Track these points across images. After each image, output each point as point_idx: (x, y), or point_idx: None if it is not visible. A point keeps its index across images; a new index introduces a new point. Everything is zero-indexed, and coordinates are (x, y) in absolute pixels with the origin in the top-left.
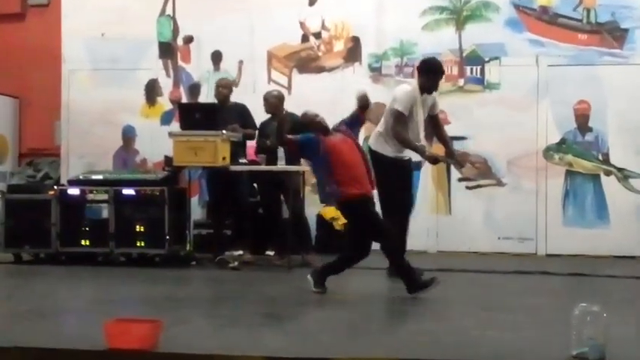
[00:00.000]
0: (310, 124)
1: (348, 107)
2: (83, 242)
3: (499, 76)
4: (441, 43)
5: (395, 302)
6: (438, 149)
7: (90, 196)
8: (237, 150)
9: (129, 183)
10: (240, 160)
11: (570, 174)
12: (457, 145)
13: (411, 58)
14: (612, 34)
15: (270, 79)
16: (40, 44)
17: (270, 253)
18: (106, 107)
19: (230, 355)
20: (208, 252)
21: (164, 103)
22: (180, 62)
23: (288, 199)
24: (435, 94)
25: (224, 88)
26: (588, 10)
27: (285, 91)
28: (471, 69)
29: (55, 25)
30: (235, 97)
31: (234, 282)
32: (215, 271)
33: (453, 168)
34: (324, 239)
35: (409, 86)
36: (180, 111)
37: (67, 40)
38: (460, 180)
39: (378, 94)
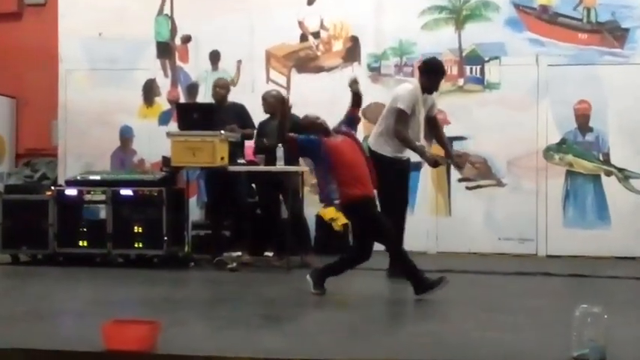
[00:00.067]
0: (311, 126)
1: (347, 107)
2: (81, 243)
3: (499, 76)
4: (440, 42)
5: (395, 303)
6: (436, 150)
7: (87, 197)
8: (236, 150)
9: (126, 183)
10: (239, 161)
11: (571, 174)
12: (457, 146)
13: (410, 57)
14: (613, 33)
15: (268, 79)
16: (37, 44)
17: (269, 254)
18: (104, 107)
19: (228, 356)
20: (207, 253)
21: (162, 103)
22: (178, 62)
23: (287, 199)
24: (434, 94)
25: (221, 88)
26: (588, 10)
27: (283, 91)
28: (471, 69)
29: (52, 24)
30: (234, 96)
31: (233, 283)
32: (213, 272)
33: (453, 168)
34: (323, 240)
35: (411, 85)
36: (178, 111)
37: (64, 39)
38: (460, 180)
39: (377, 94)
